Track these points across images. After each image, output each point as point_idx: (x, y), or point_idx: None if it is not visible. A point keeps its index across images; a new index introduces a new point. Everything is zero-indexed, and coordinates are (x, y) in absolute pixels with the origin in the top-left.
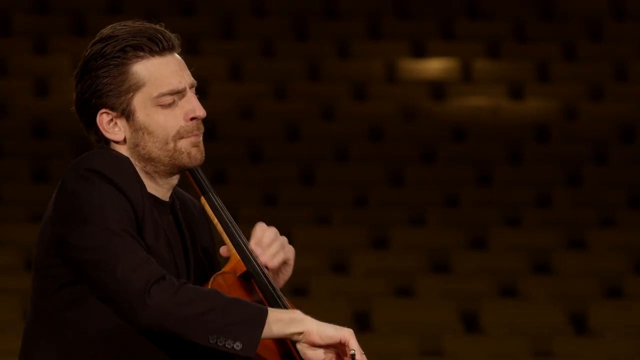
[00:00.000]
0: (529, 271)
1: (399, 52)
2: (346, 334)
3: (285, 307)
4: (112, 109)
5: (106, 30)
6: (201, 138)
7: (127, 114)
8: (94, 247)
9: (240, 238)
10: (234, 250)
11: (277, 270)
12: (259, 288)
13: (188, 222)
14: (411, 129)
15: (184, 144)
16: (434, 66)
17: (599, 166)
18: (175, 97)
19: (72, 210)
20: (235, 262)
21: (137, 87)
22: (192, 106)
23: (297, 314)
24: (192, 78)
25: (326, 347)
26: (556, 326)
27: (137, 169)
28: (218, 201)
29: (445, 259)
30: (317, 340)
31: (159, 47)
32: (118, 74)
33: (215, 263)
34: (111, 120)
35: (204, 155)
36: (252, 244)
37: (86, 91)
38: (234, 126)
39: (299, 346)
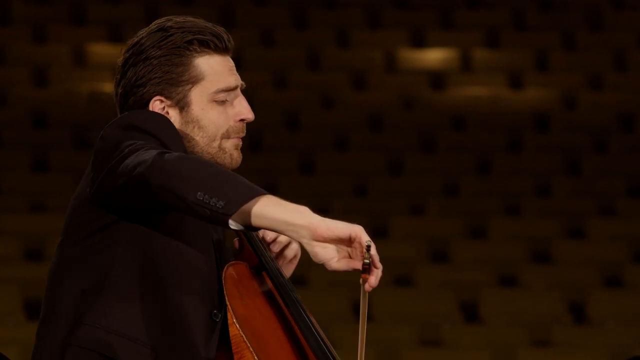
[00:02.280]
0: (529, 260)
1: (398, 42)
2: (357, 229)
3: (298, 300)
4: (168, 97)
5: (166, 22)
6: (241, 142)
7: (182, 105)
8: (121, 149)
9: None
10: (246, 243)
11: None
12: (271, 280)
13: None
14: (411, 118)
15: (228, 145)
16: (434, 56)
17: (599, 155)
18: (228, 96)
19: (107, 146)
20: (248, 254)
21: (197, 79)
22: (244, 108)
23: (302, 207)
24: (241, 80)
25: (336, 241)
26: (555, 315)
27: None
28: None
29: (444, 248)
30: (326, 233)
31: (222, 46)
32: (180, 64)
33: (227, 255)
34: (163, 108)
35: (241, 158)
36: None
37: (142, 77)
38: None
39: (307, 247)
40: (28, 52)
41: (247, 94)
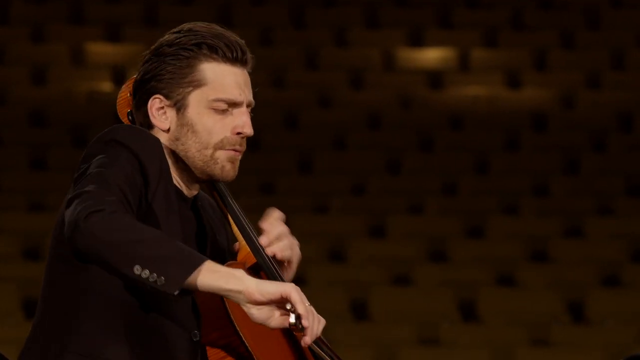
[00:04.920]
0: (527, 259)
1: (396, 41)
2: (287, 288)
3: None
4: (167, 97)
5: (188, 25)
6: (239, 157)
7: (179, 106)
8: (83, 189)
9: (251, 231)
10: (244, 242)
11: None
12: (268, 280)
13: (209, 220)
14: (409, 118)
15: (221, 155)
16: (432, 55)
17: (597, 154)
18: (230, 108)
19: (85, 170)
20: (245, 253)
21: (198, 84)
22: (243, 121)
23: (238, 271)
24: (251, 98)
25: (270, 304)
26: (554, 314)
27: (170, 161)
28: (228, 194)
29: (443, 248)
30: (258, 297)
31: (232, 56)
32: (185, 66)
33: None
34: (162, 107)
35: (236, 173)
36: (263, 225)
37: (149, 72)
38: None
39: (244, 308)
40: (27, 51)
41: None
